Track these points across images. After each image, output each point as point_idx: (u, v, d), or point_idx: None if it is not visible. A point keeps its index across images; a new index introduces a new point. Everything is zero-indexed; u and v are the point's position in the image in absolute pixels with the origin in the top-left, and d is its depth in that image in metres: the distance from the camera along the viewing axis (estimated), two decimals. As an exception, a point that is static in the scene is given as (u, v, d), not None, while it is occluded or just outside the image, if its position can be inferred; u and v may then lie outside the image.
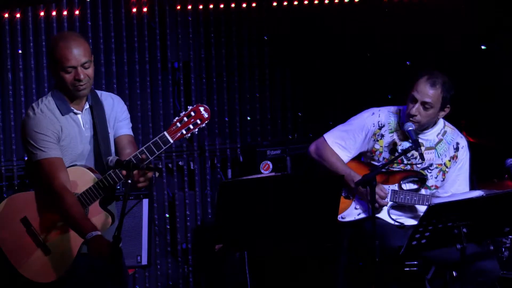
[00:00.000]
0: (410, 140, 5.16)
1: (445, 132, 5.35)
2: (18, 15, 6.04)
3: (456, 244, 4.56)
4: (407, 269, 5.22)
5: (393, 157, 5.24)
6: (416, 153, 5.18)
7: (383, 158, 5.29)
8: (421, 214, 5.30)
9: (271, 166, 6.73)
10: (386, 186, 5.24)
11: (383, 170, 5.13)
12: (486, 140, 6.78)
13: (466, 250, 4.58)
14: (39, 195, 4.46)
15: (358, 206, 5.31)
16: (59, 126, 4.39)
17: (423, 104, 5.15)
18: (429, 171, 5.30)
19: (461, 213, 4.55)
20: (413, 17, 7.52)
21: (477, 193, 5.11)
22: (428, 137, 5.31)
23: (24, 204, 4.46)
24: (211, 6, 6.82)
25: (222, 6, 6.87)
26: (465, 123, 6.67)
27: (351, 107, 5.63)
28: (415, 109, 5.15)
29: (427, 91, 5.15)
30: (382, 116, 5.34)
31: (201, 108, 4.32)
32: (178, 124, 4.32)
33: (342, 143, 5.36)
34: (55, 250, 4.42)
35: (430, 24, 7.53)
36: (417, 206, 5.30)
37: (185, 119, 4.32)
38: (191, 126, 4.32)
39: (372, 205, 4.79)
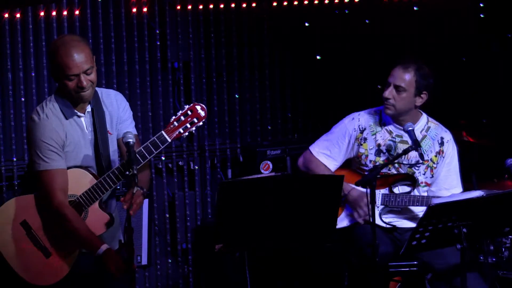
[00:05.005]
0: (410, 140, 5.16)
1: (428, 128, 5.37)
2: (18, 15, 6.04)
3: (456, 244, 4.56)
4: (407, 269, 5.22)
5: (379, 158, 5.26)
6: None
7: (370, 161, 5.30)
8: (415, 215, 5.33)
9: (271, 166, 6.73)
10: (376, 191, 5.21)
11: (383, 170, 5.14)
12: (486, 140, 6.79)
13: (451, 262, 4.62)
14: (37, 199, 4.43)
15: (349, 213, 5.31)
16: (63, 133, 4.36)
17: (396, 87, 5.21)
18: (416, 168, 5.31)
19: (461, 213, 4.55)
20: (413, 17, 7.52)
21: (477, 193, 5.11)
22: None
23: (22, 208, 4.43)
24: (211, 6, 6.82)
25: (222, 6, 6.86)
26: (465, 123, 6.67)
27: (351, 107, 5.61)
28: (388, 92, 5.22)
29: (400, 75, 5.21)
30: (362, 120, 5.36)
31: (198, 107, 4.33)
32: (175, 123, 4.33)
33: (328, 153, 5.37)
34: (55, 252, 4.41)
35: (430, 24, 7.53)
36: (411, 208, 5.30)
37: (182, 118, 4.33)
38: (188, 125, 4.33)
39: (372, 207, 4.77)
